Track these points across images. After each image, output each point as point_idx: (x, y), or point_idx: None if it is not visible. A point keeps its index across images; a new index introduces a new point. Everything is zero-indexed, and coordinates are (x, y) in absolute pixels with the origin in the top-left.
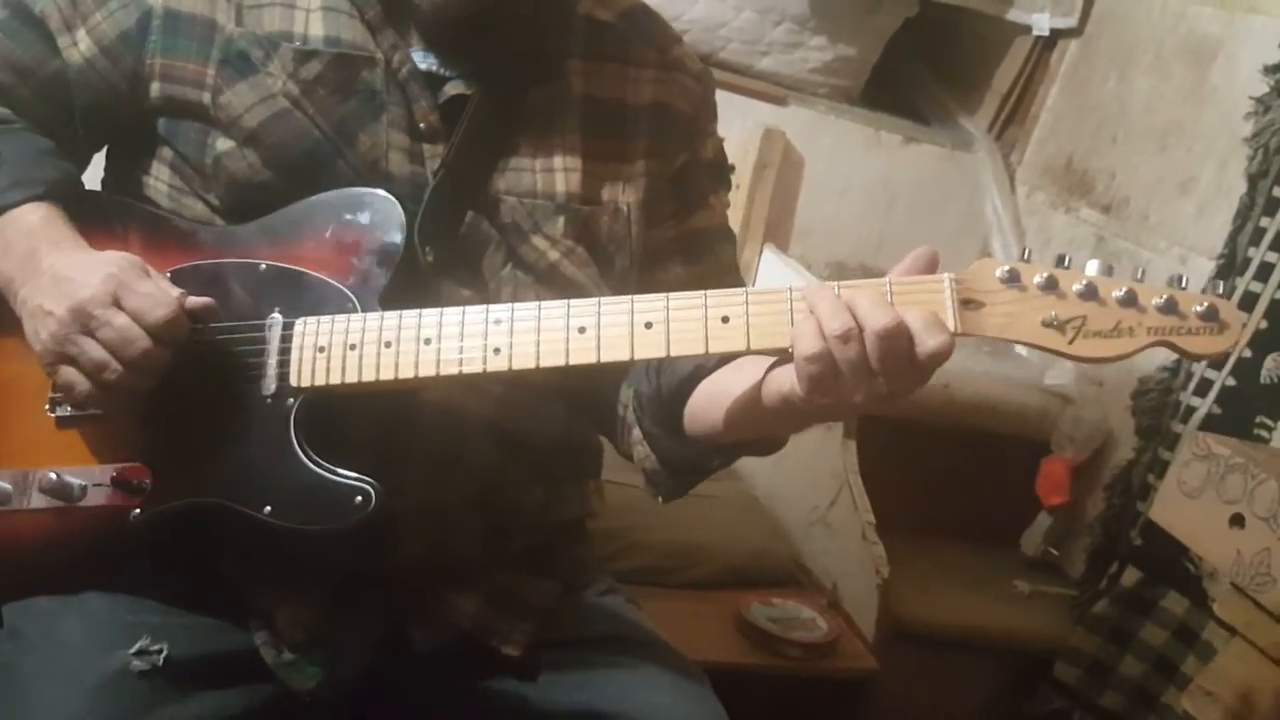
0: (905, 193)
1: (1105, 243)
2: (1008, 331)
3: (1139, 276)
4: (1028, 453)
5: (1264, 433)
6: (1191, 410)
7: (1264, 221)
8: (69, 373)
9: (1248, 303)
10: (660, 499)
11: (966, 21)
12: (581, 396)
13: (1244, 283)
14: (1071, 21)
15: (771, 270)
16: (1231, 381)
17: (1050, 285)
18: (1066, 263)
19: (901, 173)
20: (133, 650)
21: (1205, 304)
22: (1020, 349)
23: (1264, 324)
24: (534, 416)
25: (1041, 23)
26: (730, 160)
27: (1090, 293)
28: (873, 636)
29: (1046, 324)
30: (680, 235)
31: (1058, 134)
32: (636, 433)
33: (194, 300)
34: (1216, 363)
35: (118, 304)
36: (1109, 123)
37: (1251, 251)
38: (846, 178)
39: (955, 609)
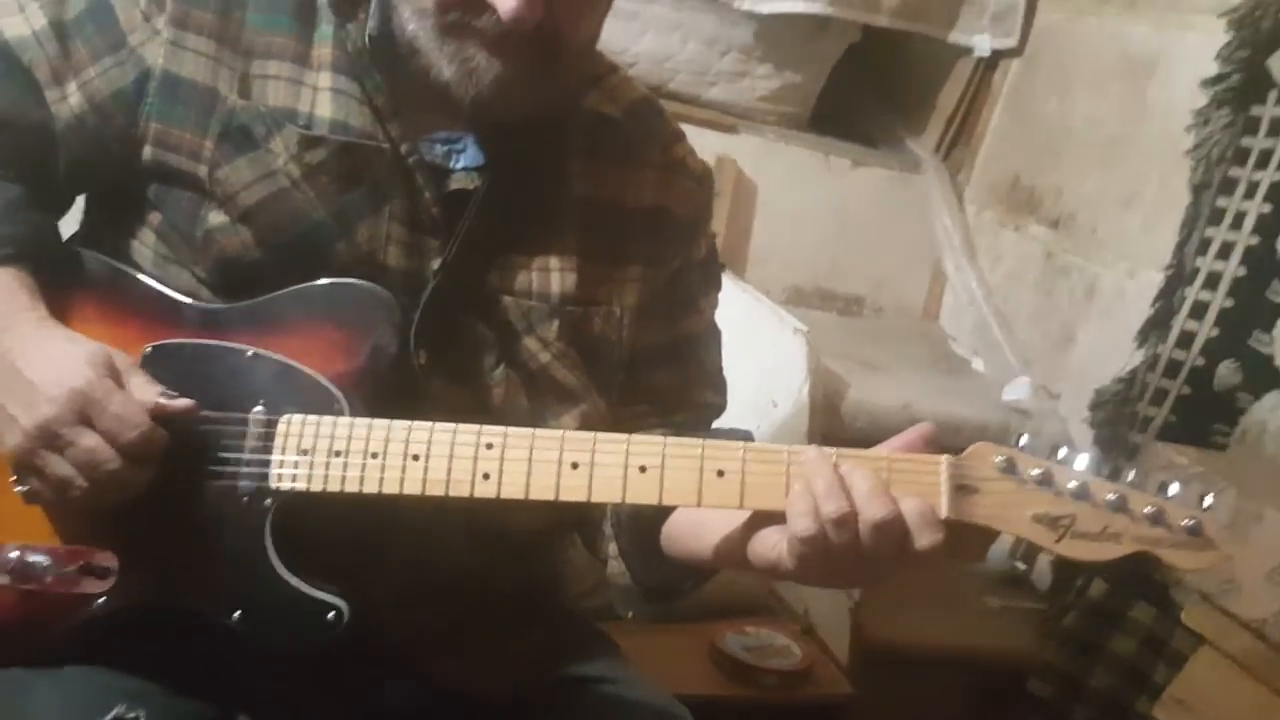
0: (857, 216)
1: (1054, 258)
2: (996, 521)
3: (1130, 479)
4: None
5: (1221, 439)
6: (1149, 420)
7: (1210, 231)
8: (35, 483)
9: (1198, 311)
10: (630, 615)
11: (909, 45)
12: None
13: (1194, 292)
14: (1012, 42)
15: (728, 297)
16: (1187, 390)
17: (1046, 481)
18: (1061, 455)
19: (852, 196)
20: (108, 718)
21: (1192, 520)
22: (977, 364)
23: (1215, 331)
24: (512, 514)
25: (983, 44)
26: None
27: (1082, 493)
28: (847, 660)
29: (1037, 519)
30: (668, 341)
31: (1003, 153)
32: (612, 548)
33: (174, 406)
34: (1171, 371)
35: (86, 423)
36: (1053, 140)
37: (1200, 261)
38: (798, 203)
39: (927, 628)
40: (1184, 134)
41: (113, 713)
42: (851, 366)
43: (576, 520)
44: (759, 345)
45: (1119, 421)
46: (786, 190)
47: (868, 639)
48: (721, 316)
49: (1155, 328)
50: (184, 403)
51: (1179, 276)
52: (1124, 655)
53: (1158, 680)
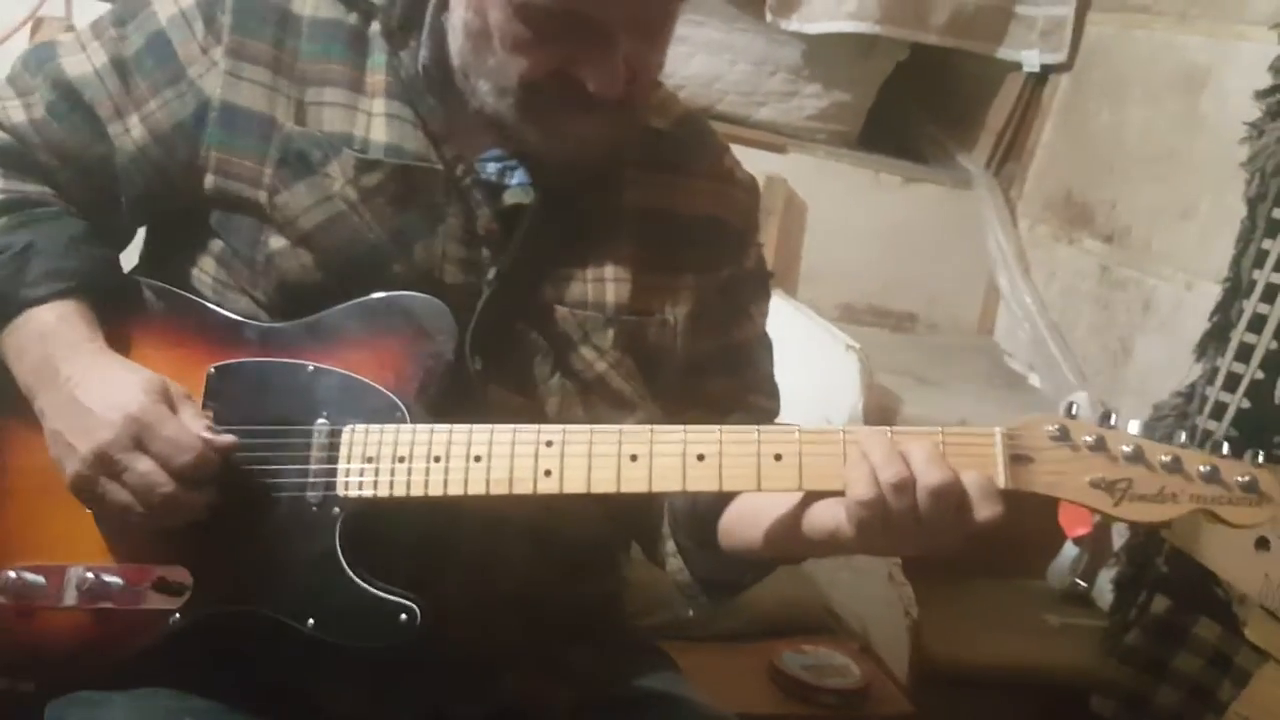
0: (908, 232)
1: (1110, 272)
2: (1055, 489)
3: (1182, 441)
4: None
5: None
6: (1208, 434)
7: (1266, 244)
8: (98, 508)
9: (1256, 325)
10: (691, 612)
11: (958, 61)
12: (621, 504)
13: (1251, 305)
14: (1061, 56)
15: (781, 315)
16: (1246, 404)
17: (1099, 446)
18: (1113, 420)
19: (903, 213)
20: None
21: (1247, 476)
22: (1034, 380)
23: (1274, 344)
24: (573, 521)
25: (1032, 59)
26: None
27: (1137, 456)
28: (906, 679)
29: (1094, 484)
30: (722, 347)
31: (1055, 167)
32: (670, 545)
33: (217, 442)
34: (1230, 385)
35: (141, 447)
36: (1105, 153)
37: (1256, 274)
38: (849, 221)
39: (987, 647)
40: (1238, 146)
41: None
42: (906, 383)
43: (634, 528)
44: (812, 363)
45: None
46: (837, 208)
47: (927, 657)
48: (774, 334)
49: (1213, 341)
50: (227, 439)
51: (1236, 289)
52: (1189, 673)
53: (1223, 698)
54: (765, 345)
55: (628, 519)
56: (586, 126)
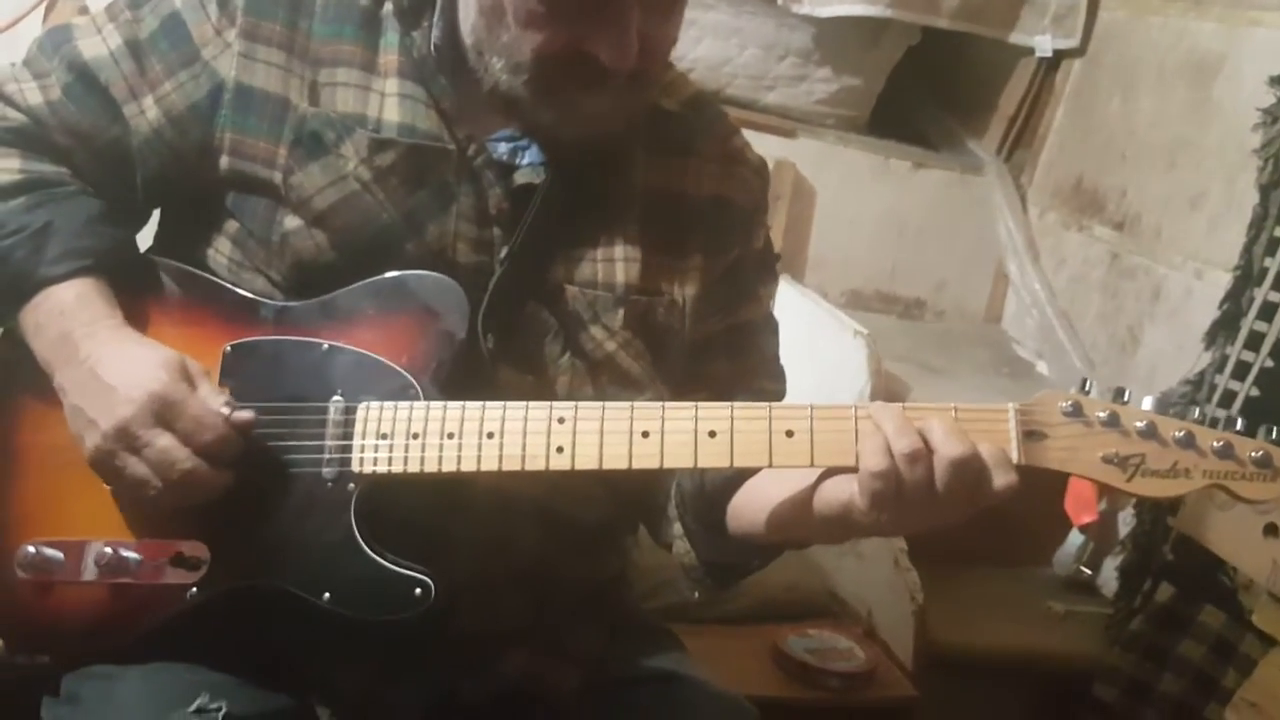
0: (917, 218)
1: (1120, 259)
2: (1068, 465)
3: (1195, 417)
4: (1055, 471)
5: None
6: (1216, 422)
7: (1278, 231)
8: (116, 483)
9: (1267, 312)
10: (696, 595)
11: (969, 47)
12: (628, 485)
13: (1262, 293)
14: (1074, 42)
15: (788, 300)
16: (1255, 392)
17: (1112, 421)
18: (1126, 397)
19: (912, 199)
20: (191, 709)
21: (1260, 451)
22: (1041, 368)
23: None
24: (580, 502)
25: (1044, 44)
26: None
27: (1150, 431)
28: (910, 664)
29: (1106, 460)
30: (727, 329)
31: (1066, 154)
32: (677, 527)
33: (237, 418)
34: (1239, 373)
35: (163, 424)
36: (1116, 141)
37: (1268, 261)
38: (857, 206)
39: (991, 633)
40: (1251, 133)
41: (196, 703)
42: (913, 370)
43: (640, 509)
44: (820, 349)
45: None
46: (846, 193)
47: (932, 642)
48: (782, 320)
49: (1223, 329)
50: (246, 415)
51: (1247, 277)
52: (1193, 660)
53: (1228, 685)
54: (771, 327)
55: (634, 500)
56: (599, 101)
